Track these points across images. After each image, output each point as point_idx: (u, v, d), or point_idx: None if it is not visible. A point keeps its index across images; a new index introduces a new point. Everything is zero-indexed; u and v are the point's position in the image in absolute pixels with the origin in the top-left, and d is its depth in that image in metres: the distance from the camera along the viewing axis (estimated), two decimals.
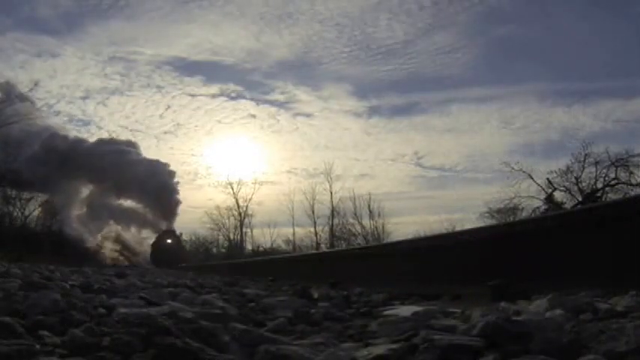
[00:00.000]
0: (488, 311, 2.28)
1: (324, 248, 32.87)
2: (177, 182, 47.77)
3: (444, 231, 20.57)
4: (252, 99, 54.47)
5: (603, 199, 24.17)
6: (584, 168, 26.21)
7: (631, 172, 25.24)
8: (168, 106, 54.05)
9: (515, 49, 53.51)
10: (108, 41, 59.42)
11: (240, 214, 41.85)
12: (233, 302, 3.68)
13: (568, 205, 25.73)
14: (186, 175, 63.87)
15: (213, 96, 55.85)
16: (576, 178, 26.43)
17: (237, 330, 1.96)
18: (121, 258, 45.89)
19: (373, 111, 67.03)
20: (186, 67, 67.28)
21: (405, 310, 2.99)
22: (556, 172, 27.03)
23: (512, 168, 27.28)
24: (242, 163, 52.25)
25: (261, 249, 39.48)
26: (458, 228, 24.58)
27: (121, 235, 48.04)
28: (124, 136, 49.88)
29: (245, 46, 64.82)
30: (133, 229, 48.85)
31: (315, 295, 4.66)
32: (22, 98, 36.19)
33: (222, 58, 59.76)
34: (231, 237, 43.16)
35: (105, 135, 48.53)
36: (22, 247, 26.39)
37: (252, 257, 29.43)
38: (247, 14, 65.50)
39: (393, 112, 70.47)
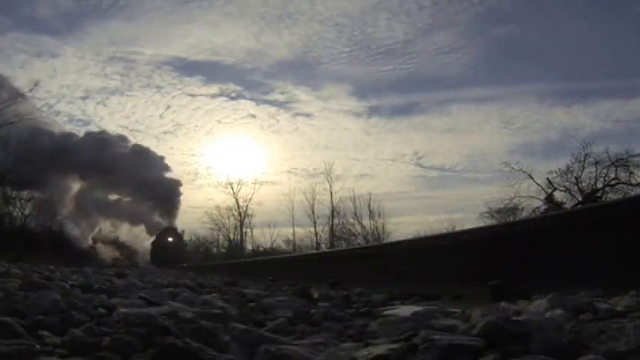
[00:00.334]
0: (488, 311, 2.28)
1: (324, 248, 32.88)
2: (178, 181, 46.43)
3: (444, 231, 20.60)
4: (252, 99, 54.54)
5: (603, 199, 24.18)
6: (584, 168, 26.26)
7: (631, 172, 25.30)
8: (168, 106, 53.95)
9: (515, 49, 53.51)
10: (108, 41, 59.45)
11: (240, 214, 41.91)
12: (233, 302, 3.68)
13: (568, 205, 25.75)
14: (186, 175, 63.57)
15: (213, 96, 55.85)
16: (576, 178, 26.48)
17: (238, 330, 1.96)
18: (117, 255, 44.48)
19: (373, 111, 67.13)
20: (186, 67, 67.50)
21: (405, 310, 2.99)
22: (556, 172, 27.10)
23: (512, 168, 27.35)
24: (242, 163, 52.33)
25: (261, 249, 39.51)
26: (458, 228, 24.62)
27: (116, 233, 46.63)
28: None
29: (245, 46, 64.92)
30: (128, 226, 47.08)
31: (315, 295, 4.66)
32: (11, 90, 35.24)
33: (222, 58, 59.68)
34: (231, 237, 43.22)
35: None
36: (22, 247, 26.39)
37: (252, 257, 29.43)
38: (247, 14, 65.46)
39: (393, 112, 70.53)
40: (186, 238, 46.93)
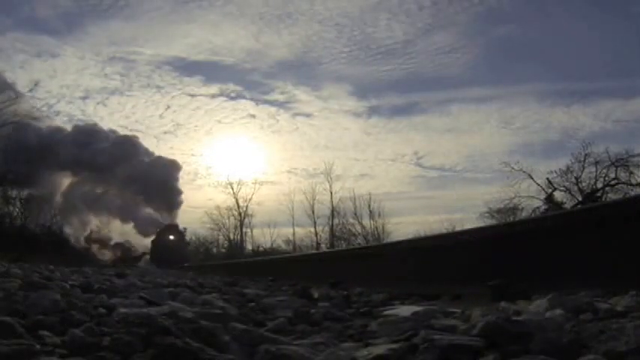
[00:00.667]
0: (488, 311, 2.28)
1: (324, 248, 32.87)
2: (175, 162, 44.21)
3: (444, 231, 20.60)
4: (251, 99, 54.55)
5: (603, 199, 24.17)
6: (584, 168, 26.23)
7: (631, 172, 25.26)
8: (168, 106, 53.89)
9: (515, 49, 53.53)
10: (108, 41, 59.42)
11: (240, 214, 41.87)
12: (233, 302, 3.68)
13: (568, 205, 25.72)
14: (187, 175, 63.67)
15: (213, 96, 55.88)
16: (576, 178, 26.45)
17: (238, 330, 1.96)
18: (114, 256, 42.73)
19: (373, 111, 67.32)
20: (186, 67, 67.75)
21: (405, 310, 2.99)
22: (556, 172, 27.06)
23: (512, 168, 27.30)
24: (242, 163, 52.35)
25: (261, 249, 39.47)
26: (458, 228, 24.61)
27: (107, 229, 44.48)
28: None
29: (244, 46, 65.01)
30: (121, 223, 44.84)
31: (315, 295, 4.67)
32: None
33: (221, 58, 59.83)
34: (231, 237, 43.16)
35: None
36: (22, 247, 26.37)
37: (252, 257, 29.42)
38: (247, 14, 65.45)
39: (393, 112, 70.58)
40: (186, 237, 45.77)
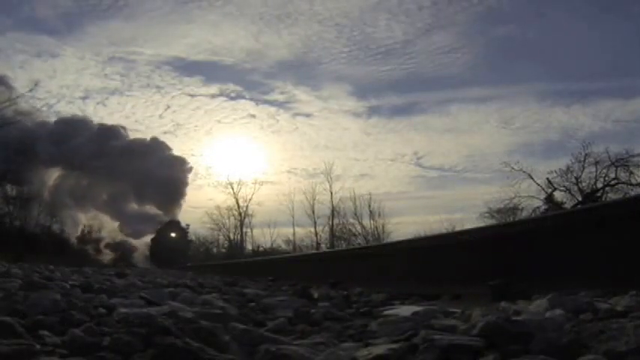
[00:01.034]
0: (488, 311, 2.29)
1: (324, 248, 32.87)
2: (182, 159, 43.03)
3: (444, 231, 20.58)
4: (251, 99, 54.70)
5: (603, 199, 24.17)
6: (584, 168, 26.24)
7: (631, 172, 25.27)
8: (168, 106, 53.89)
9: (514, 49, 53.51)
10: (107, 41, 59.15)
11: (240, 214, 41.86)
12: (233, 302, 3.68)
13: (568, 205, 25.73)
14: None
15: (213, 96, 55.96)
16: (576, 178, 26.46)
17: (238, 330, 1.96)
18: (107, 252, 41.50)
19: (373, 111, 67.46)
20: (186, 67, 67.95)
21: (405, 310, 2.99)
22: (556, 172, 27.07)
23: (512, 168, 27.31)
24: (242, 163, 52.30)
25: (261, 249, 39.47)
26: (458, 228, 24.59)
27: (102, 225, 43.32)
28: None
29: (244, 46, 64.87)
30: (115, 220, 43.71)
31: (315, 295, 4.67)
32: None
33: (221, 58, 59.94)
34: (232, 237, 43.16)
35: None
36: (22, 246, 26.36)
37: (252, 257, 29.41)
38: (246, 14, 65.26)
39: (393, 112, 70.63)
40: (189, 235, 44.29)
